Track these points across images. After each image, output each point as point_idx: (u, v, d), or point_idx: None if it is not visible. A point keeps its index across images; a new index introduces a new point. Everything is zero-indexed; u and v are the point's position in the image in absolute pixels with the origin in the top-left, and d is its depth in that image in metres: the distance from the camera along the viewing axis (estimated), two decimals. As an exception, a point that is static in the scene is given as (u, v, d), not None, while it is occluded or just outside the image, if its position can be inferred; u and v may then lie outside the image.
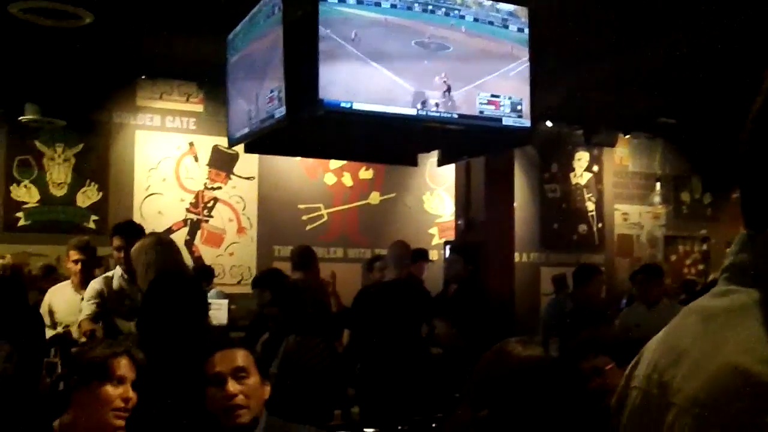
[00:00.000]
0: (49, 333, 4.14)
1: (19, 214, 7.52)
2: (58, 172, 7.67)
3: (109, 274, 4.30)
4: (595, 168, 10.47)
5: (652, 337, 0.91)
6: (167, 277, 3.33)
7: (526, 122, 3.54)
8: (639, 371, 0.87)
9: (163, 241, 3.88)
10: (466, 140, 3.90)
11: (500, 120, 3.45)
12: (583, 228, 10.32)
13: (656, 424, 0.78)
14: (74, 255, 4.66)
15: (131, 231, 4.33)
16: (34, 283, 5.94)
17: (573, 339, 2.54)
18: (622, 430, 0.88)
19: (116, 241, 4.25)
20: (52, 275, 5.98)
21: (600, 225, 10.44)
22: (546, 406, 1.84)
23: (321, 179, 8.84)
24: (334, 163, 8.84)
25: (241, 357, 2.38)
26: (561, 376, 2.01)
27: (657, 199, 10.81)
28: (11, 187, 7.50)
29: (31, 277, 6.29)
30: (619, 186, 10.67)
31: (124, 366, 2.19)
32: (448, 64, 3.28)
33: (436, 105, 3.20)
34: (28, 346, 3.36)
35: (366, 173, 9.06)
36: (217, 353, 2.39)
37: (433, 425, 3.50)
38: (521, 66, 3.46)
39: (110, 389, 2.14)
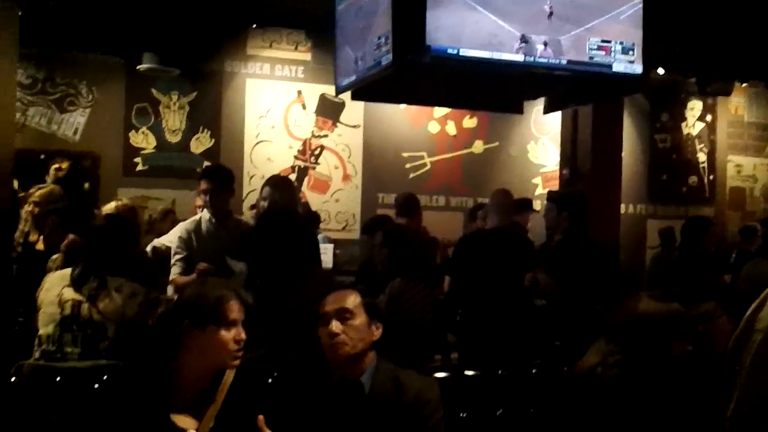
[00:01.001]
0: None
1: (137, 160, 7.90)
2: (173, 120, 7.99)
3: (196, 217, 4.39)
4: (709, 118, 10.06)
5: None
6: (276, 214, 3.47)
7: (638, 69, 3.44)
8: (764, 314, 0.87)
9: (280, 180, 4.04)
10: (574, 87, 3.83)
11: (610, 66, 3.38)
12: (693, 180, 9.97)
13: None
14: (197, 201, 4.91)
15: (219, 175, 4.41)
16: (153, 226, 6.25)
17: (681, 289, 2.55)
18: (745, 373, 0.88)
19: (203, 184, 4.28)
20: (168, 218, 6.27)
21: (711, 177, 10.06)
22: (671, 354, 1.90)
23: (425, 127, 8.86)
24: (438, 112, 8.83)
25: (349, 299, 2.49)
26: (688, 328, 2.06)
27: (774, 151, 10.33)
28: (130, 134, 7.88)
29: (151, 220, 6.60)
30: (733, 137, 10.22)
31: (235, 309, 2.22)
32: (556, 7, 3.22)
33: (545, 44, 3.16)
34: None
35: (470, 122, 9.01)
36: (331, 294, 2.52)
37: (534, 371, 3.53)
38: (633, 9, 3.35)
39: (224, 333, 2.18)
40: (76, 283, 3.28)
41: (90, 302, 3.23)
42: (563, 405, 2.23)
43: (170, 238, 4.40)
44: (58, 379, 3.03)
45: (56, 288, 3.29)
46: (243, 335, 2.23)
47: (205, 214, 4.32)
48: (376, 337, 2.50)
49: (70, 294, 3.26)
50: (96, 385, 2.86)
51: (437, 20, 3.06)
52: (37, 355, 3.23)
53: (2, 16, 4.08)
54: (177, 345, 2.19)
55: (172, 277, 4.19)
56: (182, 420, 2.16)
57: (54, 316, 3.23)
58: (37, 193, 4.77)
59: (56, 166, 5.49)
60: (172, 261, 4.23)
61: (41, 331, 3.24)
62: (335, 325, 2.42)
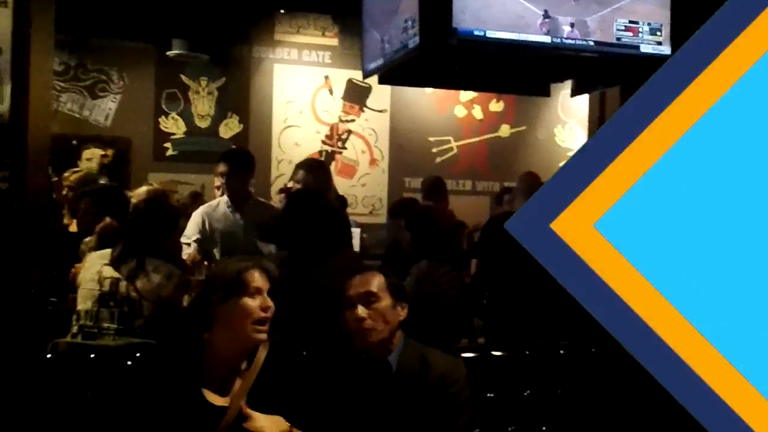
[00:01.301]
0: None
1: (167, 145, 8.00)
2: (203, 105, 8.07)
3: (215, 201, 4.47)
4: (740, 100, 9.92)
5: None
6: (306, 194, 3.50)
7: (666, 50, 3.42)
8: None
9: (313, 163, 4.11)
10: (601, 69, 3.81)
11: (638, 47, 3.36)
12: (723, 163, 9.87)
13: None
14: (215, 183, 4.98)
15: (235, 157, 4.47)
16: (184, 209, 6.32)
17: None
18: None
19: (221, 167, 4.39)
20: (198, 201, 6.34)
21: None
22: None
23: (451, 112, 8.86)
24: (465, 96, 8.81)
25: (373, 282, 2.49)
26: None
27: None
28: (160, 119, 7.98)
29: (179, 204, 6.67)
30: (765, 119, 10.08)
31: (257, 278, 2.23)
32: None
33: (571, 25, 3.15)
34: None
35: (496, 105, 8.99)
36: (355, 277, 2.52)
37: (561, 351, 3.54)
38: (661, -12, 3.33)
39: (248, 301, 2.19)
40: (115, 263, 3.38)
41: (128, 281, 3.33)
42: (611, 382, 2.23)
43: (191, 225, 4.49)
44: (92, 356, 3.10)
45: (96, 266, 3.40)
46: (269, 302, 2.23)
47: (224, 197, 4.39)
48: (401, 317, 2.51)
49: (109, 272, 3.36)
50: (129, 362, 2.93)
51: (463, 2, 3.07)
52: (74, 330, 3.32)
53: (38, 4, 4.14)
54: (207, 321, 2.23)
55: (184, 256, 4.28)
56: (214, 396, 2.19)
57: (93, 292, 3.33)
58: (72, 177, 4.87)
59: (101, 153, 5.62)
60: (185, 246, 4.32)
61: (80, 307, 3.35)
62: (361, 310, 2.43)
